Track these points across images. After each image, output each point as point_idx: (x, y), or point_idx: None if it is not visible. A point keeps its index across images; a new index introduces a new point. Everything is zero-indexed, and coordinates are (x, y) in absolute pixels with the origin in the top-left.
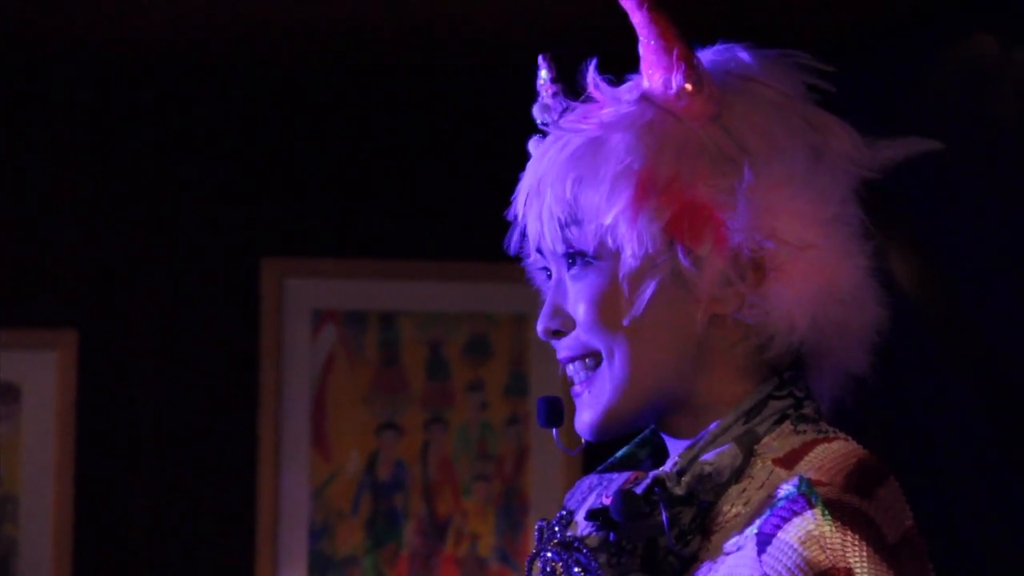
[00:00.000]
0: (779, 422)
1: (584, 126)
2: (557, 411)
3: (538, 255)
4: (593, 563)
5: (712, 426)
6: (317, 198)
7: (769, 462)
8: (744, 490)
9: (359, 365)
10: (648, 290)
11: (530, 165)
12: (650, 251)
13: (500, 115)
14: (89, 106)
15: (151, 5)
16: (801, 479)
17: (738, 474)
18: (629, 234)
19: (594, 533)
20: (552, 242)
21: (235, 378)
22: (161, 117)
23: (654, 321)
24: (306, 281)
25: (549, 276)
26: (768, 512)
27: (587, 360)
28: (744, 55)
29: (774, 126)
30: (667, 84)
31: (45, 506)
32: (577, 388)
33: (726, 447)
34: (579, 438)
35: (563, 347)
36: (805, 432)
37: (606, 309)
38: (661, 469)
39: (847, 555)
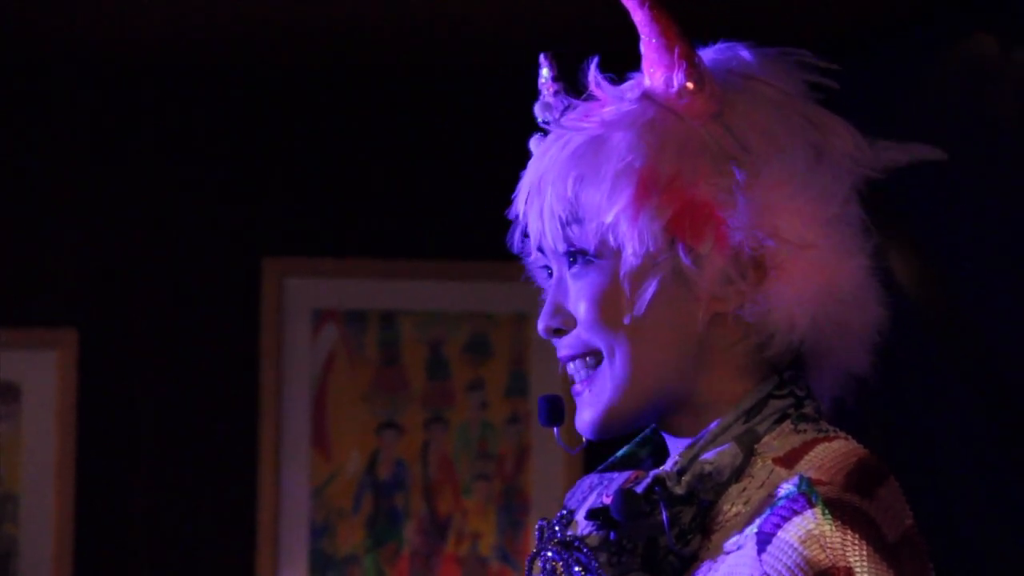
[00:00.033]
0: (779, 421)
1: (585, 124)
2: (558, 410)
3: (539, 254)
4: (593, 562)
5: (712, 425)
6: (317, 198)
7: (769, 461)
8: (744, 489)
9: (359, 365)
10: (649, 289)
11: (531, 163)
12: (651, 249)
13: (500, 115)
14: (89, 106)
15: (151, 5)
16: (801, 478)
17: (738, 473)
18: (630, 232)
19: (594, 532)
20: (553, 240)
21: (235, 378)
22: (161, 117)
23: (655, 320)
24: (306, 281)
25: (550, 274)
26: (768, 511)
27: (588, 359)
28: (745, 54)
29: (775, 125)
30: (668, 82)
31: (45, 506)
32: (578, 387)
33: (726, 446)
34: (580, 437)
35: (564, 345)
36: (805, 431)
37: (607, 308)
38: (661, 468)
39: (847, 554)
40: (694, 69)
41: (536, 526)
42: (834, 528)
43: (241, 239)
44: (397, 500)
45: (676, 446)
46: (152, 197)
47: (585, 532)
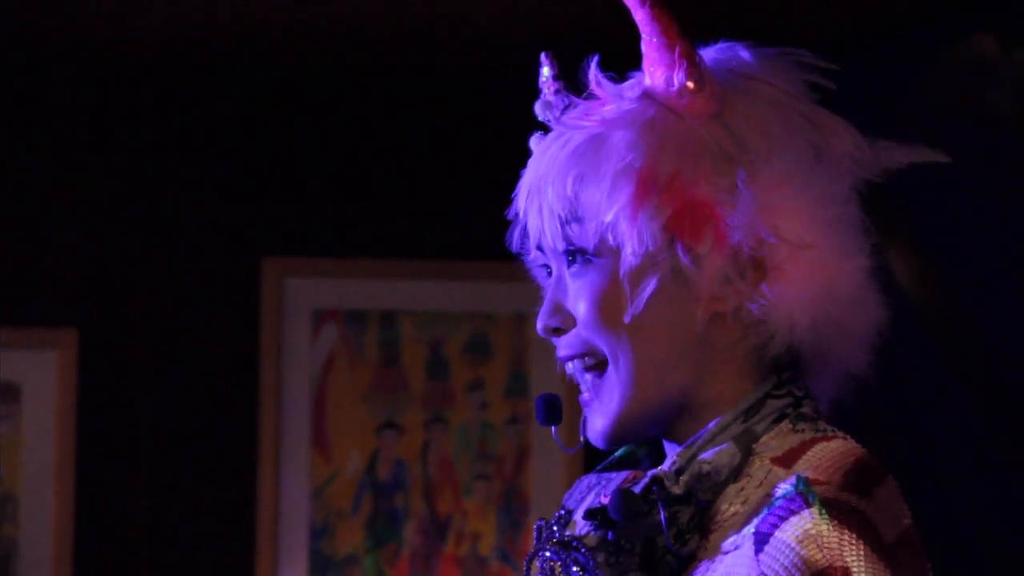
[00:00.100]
0: (777, 421)
1: (586, 123)
2: (555, 409)
3: (538, 252)
4: (591, 562)
5: (711, 425)
6: (317, 198)
7: (767, 461)
8: (742, 489)
9: (359, 365)
10: (648, 288)
11: (531, 162)
12: (650, 249)
13: (500, 115)
14: (89, 106)
15: (151, 5)
16: (799, 478)
17: (736, 473)
18: (630, 231)
19: (592, 532)
20: (552, 239)
21: (235, 378)
22: (161, 117)
23: (654, 320)
24: (306, 281)
25: (549, 273)
26: (766, 511)
27: (587, 359)
28: (745, 54)
29: (775, 125)
30: (669, 82)
31: (45, 506)
32: (586, 396)
33: (724, 446)
34: (578, 436)
35: (563, 345)
36: (803, 431)
37: (606, 307)
38: (659, 468)
39: (844, 554)
40: (695, 68)
41: (534, 526)
42: (831, 528)
43: (241, 239)
44: (397, 500)
45: (674, 448)
46: (152, 197)
47: (583, 532)
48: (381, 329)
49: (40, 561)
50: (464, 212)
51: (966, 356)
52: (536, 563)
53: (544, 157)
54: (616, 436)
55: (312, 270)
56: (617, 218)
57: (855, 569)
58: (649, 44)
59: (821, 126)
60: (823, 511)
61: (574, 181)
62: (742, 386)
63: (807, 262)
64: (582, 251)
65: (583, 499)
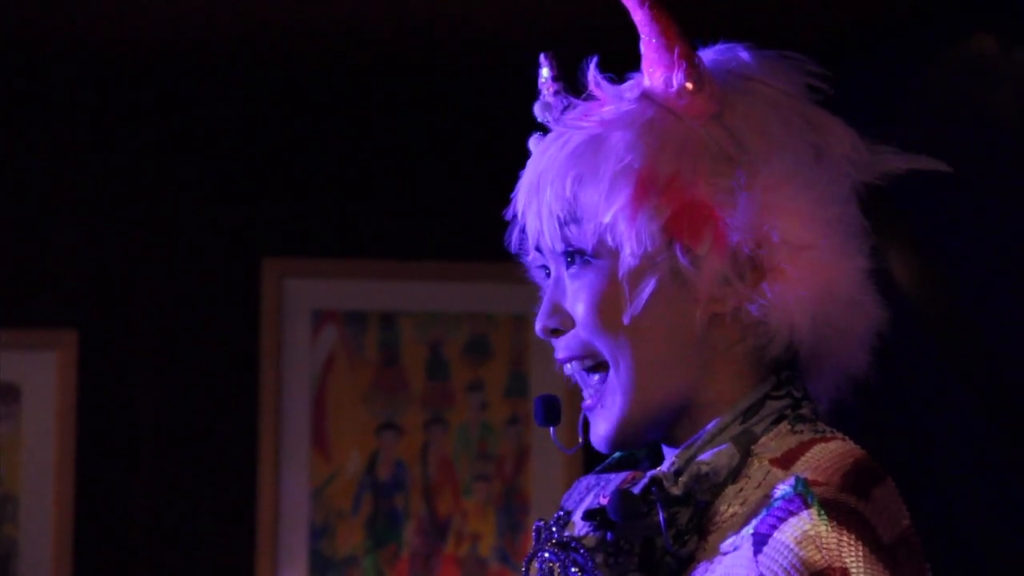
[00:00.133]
0: (776, 422)
1: (585, 124)
2: (554, 410)
3: (537, 253)
4: (590, 563)
5: (709, 426)
6: (317, 198)
7: (766, 462)
8: (741, 490)
9: (359, 365)
10: (647, 289)
11: (530, 162)
12: (649, 250)
13: (500, 115)
14: (89, 106)
15: (151, 5)
16: (797, 479)
17: (735, 474)
18: (628, 232)
19: (591, 533)
20: (551, 240)
21: (235, 378)
22: (161, 117)
23: (653, 321)
24: (306, 281)
25: (548, 274)
26: (764, 512)
27: (585, 360)
28: (745, 54)
29: (775, 126)
30: (668, 82)
31: (45, 506)
32: (588, 402)
33: (723, 447)
34: (576, 437)
35: (561, 347)
36: (802, 432)
37: (605, 308)
38: (658, 469)
39: (843, 555)
40: (694, 69)
41: (533, 527)
42: (830, 529)
43: (241, 239)
44: (397, 501)
45: (672, 450)
46: (152, 197)
47: (582, 533)
48: (381, 330)
49: (40, 561)
50: (464, 212)
51: (966, 356)
52: (535, 564)
53: (543, 158)
54: (620, 440)
55: (312, 270)
56: (616, 219)
57: (854, 570)
58: (648, 45)
59: (820, 127)
60: (822, 512)
61: (573, 182)
62: (741, 387)
63: (806, 263)
64: (581, 252)
65: (582, 500)
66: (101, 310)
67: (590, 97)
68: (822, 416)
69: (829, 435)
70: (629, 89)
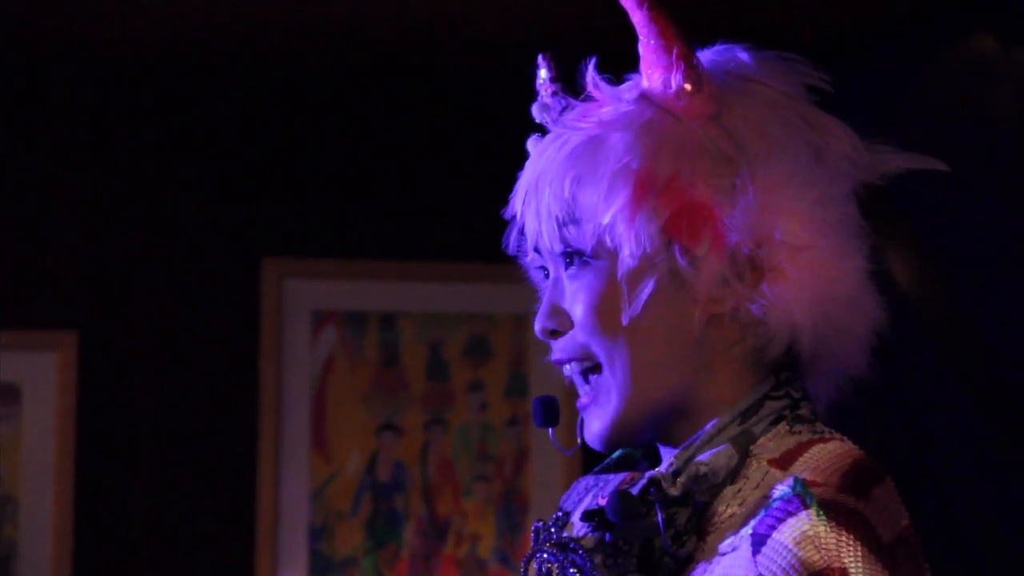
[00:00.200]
0: (775, 423)
1: (583, 125)
2: (553, 411)
3: (535, 254)
4: (589, 564)
5: (708, 426)
6: (317, 198)
7: (764, 462)
8: (739, 490)
9: (359, 365)
10: (646, 290)
11: (529, 163)
12: (648, 250)
13: (500, 115)
14: (89, 106)
15: (151, 5)
16: (796, 479)
17: (734, 475)
18: (627, 233)
19: (590, 534)
20: (550, 241)
21: (235, 378)
22: (161, 117)
23: (652, 321)
24: (306, 281)
25: (546, 275)
26: (763, 512)
27: (584, 362)
28: (743, 55)
29: (774, 126)
30: (666, 83)
31: (45, 507)
32: (584, 400)
33: (722, 447)
34: (575, 438)
35: (557, 349)
36: (801, 433)
37: (604, 309)
38: (657, 470)
39: (842, 555)
40: (692, 70)
41: (532, 528)
42: (829, 529)
43: (241, 239)
44: (396, 502)
45: (670, 450)
46: (152, 197)
47: (581, 534)
48: (381, 330)
49: (40, 562)
50: (464, 213)
51: (966, 356)
52: (534, 564)
53: (541, 159)
54: (614, 439)
55: (312, 270)
56: (615, 220)
57: (853, 570)
58: (647, 46)
59: (819, 127)
60: (820, 512)
61: (571, 183)
62: (740, 387)
63: (806, 263)
64: (579, 253)
65: (581, 500)
66: (101, 310)
67: (588, 98)
68: (821, 417)
69: (828, 435)
70: (627, 90)
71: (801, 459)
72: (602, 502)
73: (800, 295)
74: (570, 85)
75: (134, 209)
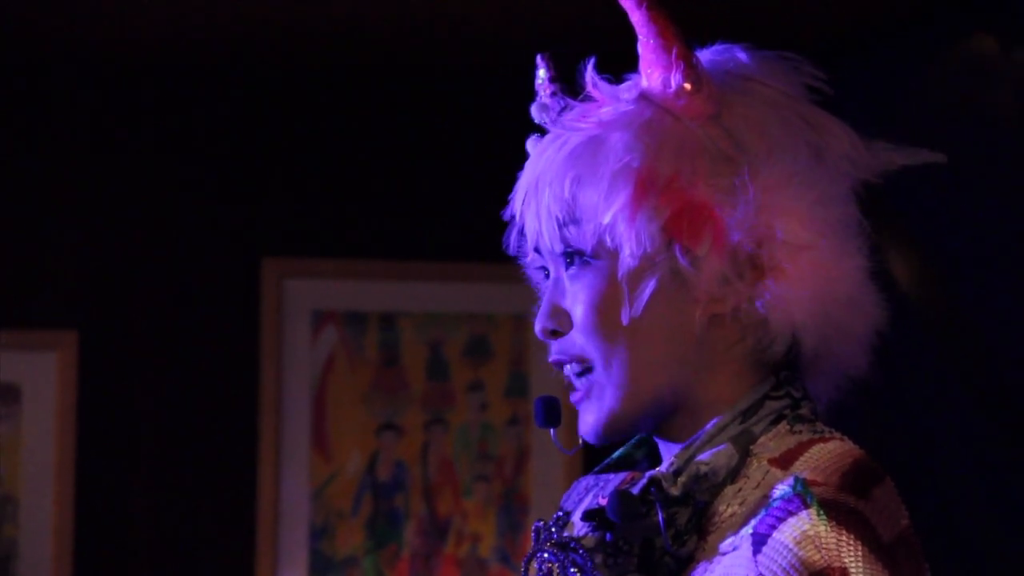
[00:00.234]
0: (775, 422)
1: (583, 125)
2: (554, 411)
3: (536, 254)
4: (589, 563)
5: (708, 426)
6: (317, 198)
7: (765, 462)
8: (740, 490)
9: (359, 365)
10: (647, 289)
11: (528, 164)
12: (648, 250)
13: (500, 115)
14: (89, 106)
15: (151, 5)
16: (796, 479)
17: (734, 474)
18: (627, 233)
19: (590, 534)
20: (550, 241)
21: (235, 378)
22: (161, 117)
23: (653, 321)
24: (306, 281)
25: (547, 275)
26: (763, 512)
27: (584, 364)
28: (743, 55)
29: (773, 126)
30: (666, 83)
31: (45, 506)
32: (577, 395)
33: (722, 447)
34: (576, 438)
35: (555, 350)
36: (801, 432)
37: (604, 310)
38: (657, 469)
39: (842, 555)
40: (692, 70)
41: (532, 527)
42: (829, 529)
43: (241, 239)
44: (397, 501)
45: (671, 449)
46: (152, 197)
47: (581, 533)
48: (381, 330)
49: (40, 561)
50: (464, 213)
51: (966, 356)
52: (534, 564)
53: (541, 159)
54: (608, 432)
55: (312, 270)
56: (615, 219)
57: (853, 570)
58: (646, 46)
59: (819, 127)
60: (821, 512)
61: (572, 183)
62: (740, 387)
63: (806, 263)
64: (580, 253)
65: (581, 500)
66: (101, 310)
67: (588, 98)
68: (821, 416)
69: (828, 435)
70: (627, 90)
71: (801, 458)
72: (602, 502)
73: (800, 294)
74: (569, 85)
75: (134, 209)
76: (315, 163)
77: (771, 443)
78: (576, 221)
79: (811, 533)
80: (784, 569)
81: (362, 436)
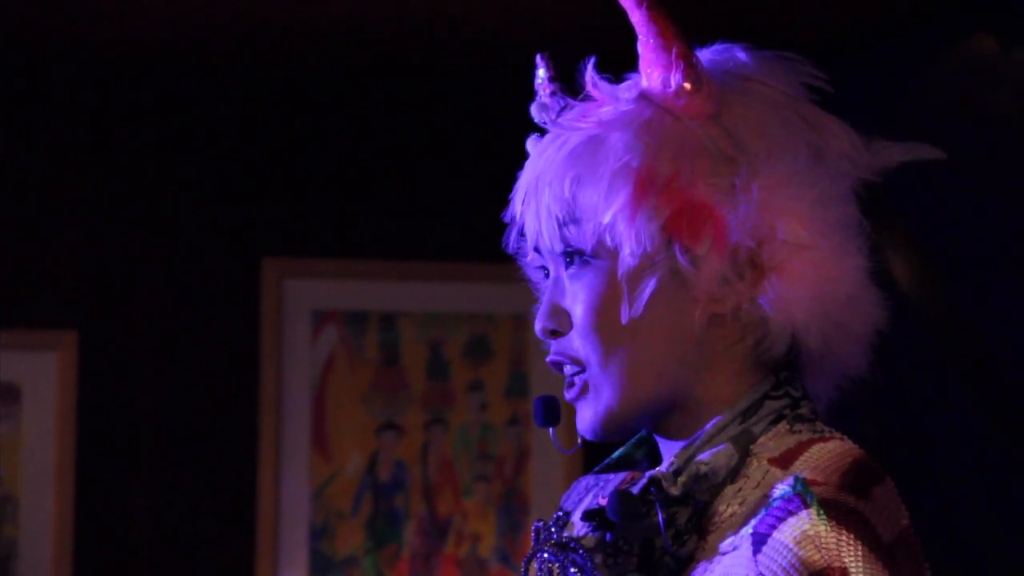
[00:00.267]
0: (775, 422)
1: (582, 124)
2: (554, 411)
3: (536, 254)
4: (589, 563)
5: (708, 426)
6: (317, 198)
7: (765, 462)
8: (740, 490)
9: (359, 365)
10: (647, 289)
11: (528, 164)
12: (648, 250)
13: (500, 115)
14: (89, 106)
15: (151, 5)
16: (796, 479)
17: (734, 474)
18: (627, 232)
19: (590, 533)
20: (550, 240)
21: (235, 378)
22: (161, 117)
23: (652, 321)
24: (306, 281)
25: (547, 275)
26: (763, 512)
27: (577, 365)
28: (742, 55)
29: (773, 125)
30: (666, 83)
31: (45, 506)
32: (576, 391)
33: (722, 447)
34: (576, 438)
35: (554, 351)
36: (801, 432)
37: (604, 310)
38: (657, 469)
39: (842, 555)
40: (691, 69)
41: (532, 527)
42: (829, 528)
43: (241, 239)
44: (397, 501)
45: (670, 448)
46: (152, 197)
47: (581, 533)
48: (381, 330)
49: (40, 561)
50: (464, 213)
51: (966, 356)
52: (534, 564)
53: (541, 159)
54: (606, 430)
55: (312, 270)
56: (615, 219)
57: (853, 569)
58: (646, 45)
59: (819, 126)
60: (821, 512)
61: (571, 182)
62: (740, 387)
63: (806, 262)
64: (580, 252)
65: (581, 500)
66: (101, 310)
67: (587, 98)
68: (821, 416)
69: (828, 435)
70: (627, 89)
71: (801, 458)
72: (602, 502)
73: (800, 294)
74: (569, 85)
75: (134, 209)
76: (315, 163)
77: (771, 443)
78: (576, 221)
79: (811, 533)
80: (784, 569)
81: (362, 436)
